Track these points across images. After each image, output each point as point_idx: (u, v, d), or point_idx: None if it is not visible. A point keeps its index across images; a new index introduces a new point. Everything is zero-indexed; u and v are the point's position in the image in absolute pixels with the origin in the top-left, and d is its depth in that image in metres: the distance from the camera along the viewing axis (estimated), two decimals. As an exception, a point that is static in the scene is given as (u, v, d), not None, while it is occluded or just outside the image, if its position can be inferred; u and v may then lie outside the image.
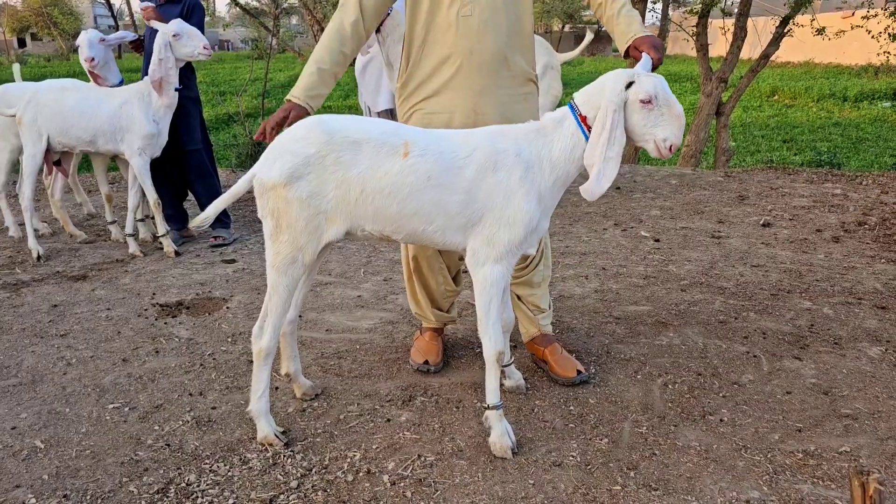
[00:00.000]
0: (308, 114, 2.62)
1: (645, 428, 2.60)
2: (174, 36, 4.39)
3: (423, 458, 2.44)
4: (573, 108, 2.37)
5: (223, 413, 2.77)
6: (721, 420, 2.64)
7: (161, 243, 4.76)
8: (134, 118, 4.48)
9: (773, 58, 8.71)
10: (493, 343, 2.42)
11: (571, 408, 2.75)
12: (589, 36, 5.92)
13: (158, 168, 4.82)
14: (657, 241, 4.87)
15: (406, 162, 2.32)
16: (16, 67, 5.56)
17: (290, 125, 2.51)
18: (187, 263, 4.53)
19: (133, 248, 4.68)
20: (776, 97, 21.02)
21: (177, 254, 4.63)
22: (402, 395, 2.87)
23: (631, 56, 2.56)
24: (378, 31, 5.04)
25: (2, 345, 3.39)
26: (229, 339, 3.42)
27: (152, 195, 4.59)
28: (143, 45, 4.86)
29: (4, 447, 2.53)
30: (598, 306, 3.72)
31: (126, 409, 2.81)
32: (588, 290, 3.94)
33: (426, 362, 3.07)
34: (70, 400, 2.88)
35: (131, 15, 41.63)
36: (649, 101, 2.23)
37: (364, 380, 3.01)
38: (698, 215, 5.54)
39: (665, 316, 3.57)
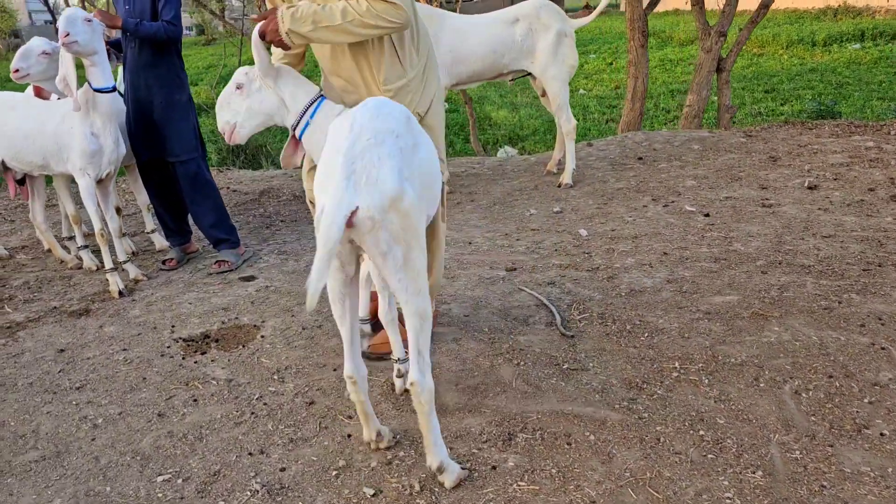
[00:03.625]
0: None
1: (797, 452, 2.24)
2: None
3: (557, 519, 2.05)
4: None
5: (296, 475, 2.34)
6: (882, 434, 2.29)
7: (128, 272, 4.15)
8: (74, 133, 3.79)
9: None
10: None
11: (702, 432, 2.38)
12: (603, 2, 5.49)
13: (152, 180, 4.29)
14: (707, 215, 4.50)
15: None
16: None
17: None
18: (201, 285, 4.04)
19: (134, 272, 4.17)
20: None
21: (120, 294, 3.90)
22: (498, 434, 2.46)
23: None
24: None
25: (9, 407, 2.90)
26: (275, 377, 2.97)
27: (97, 223, 3.90)
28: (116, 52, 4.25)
29: (44, 551, 2.09)
30: (678, 299, 3.34)
31: (179, 480, 2.36)
32: (659, 281, 3.56)
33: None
34: (108, 474, 2.43)
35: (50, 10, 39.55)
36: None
37: (446, 416, 2.60)
38: (736, 182, 5.19)
39: (758, 306, 3.20)
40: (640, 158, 6.06)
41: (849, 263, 3.57)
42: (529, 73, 5.28)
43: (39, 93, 4.10)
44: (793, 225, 4.20)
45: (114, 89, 3.71)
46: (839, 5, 23.14)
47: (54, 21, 36.20)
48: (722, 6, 8.38)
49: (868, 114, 10.90)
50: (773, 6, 8.60)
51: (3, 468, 2.50)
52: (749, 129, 6.89)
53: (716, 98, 8.80)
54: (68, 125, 3.75)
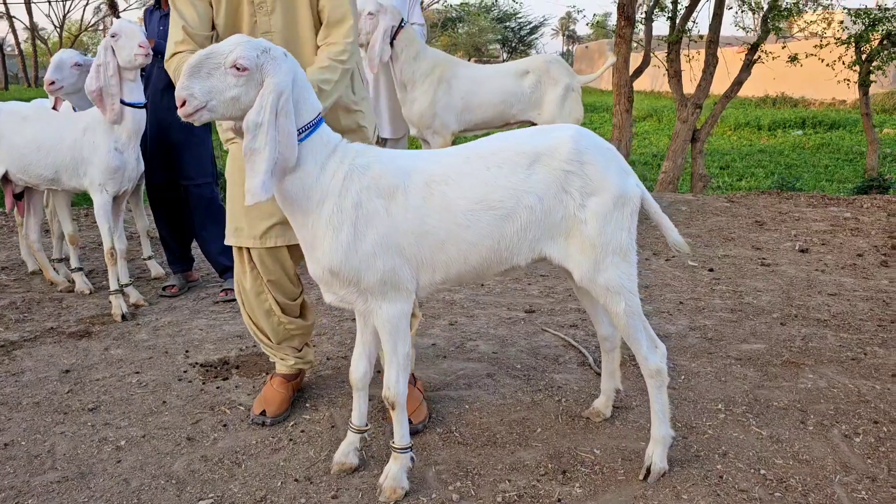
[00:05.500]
0: None
1: (863, 493, 2.24)
2: (112, 36, 3.55)
3: (640, 552, 1.98)
4: None
5: (350, 504, 2.22)
6: (942, 478, 2.31)
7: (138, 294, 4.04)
8: (96, 147, 3.66)
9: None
10: None
11: (763, 471, 2.35)
12: (611, 59, 5.68)
13: (162, 204, 4.15)
14: (711, 270, 4.59)
15: None
16: None
17: None
18: (208, 313, 3.88)
19: (135, 296, 3.99)
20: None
21: (123, 318, 3.75)
22: (556, 467, 2.40)
23: None
24: (391, 45, 4.61)
25: (17, 426, 2.70)
26: (308, 405, 2.85)
27: (108, 241, 3.77)
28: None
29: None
30: (706, 346, 3.36)
31: (222, 506, 2.21)
32: (682, 328, 3.59)
33: (263, 413, 2.70)
34: (141, 497, 2.26)
35: (17, 45, 38.36)
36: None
37: (495, 448, 2.52)
38: (730, 242, 5.33)
39: (787, 354, 3.24)
40: (631, 216, 6.17)
41: (861, 319, 3.67)
42: (534, 125, 5.37)
43: (55, 104, 3.97)
44: (795, 283, 4.31)
45: (144, 106, 3.62)
46: (777, 95, 24.62)
47: (2, 55, 35.07)
48: (698, 81, 8.78)
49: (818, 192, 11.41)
50: (715, 91, 9.02)
51: (21, 488, 2.31)
52: (731, 195, 7.14)
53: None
54: (90, 138, 3.62)
